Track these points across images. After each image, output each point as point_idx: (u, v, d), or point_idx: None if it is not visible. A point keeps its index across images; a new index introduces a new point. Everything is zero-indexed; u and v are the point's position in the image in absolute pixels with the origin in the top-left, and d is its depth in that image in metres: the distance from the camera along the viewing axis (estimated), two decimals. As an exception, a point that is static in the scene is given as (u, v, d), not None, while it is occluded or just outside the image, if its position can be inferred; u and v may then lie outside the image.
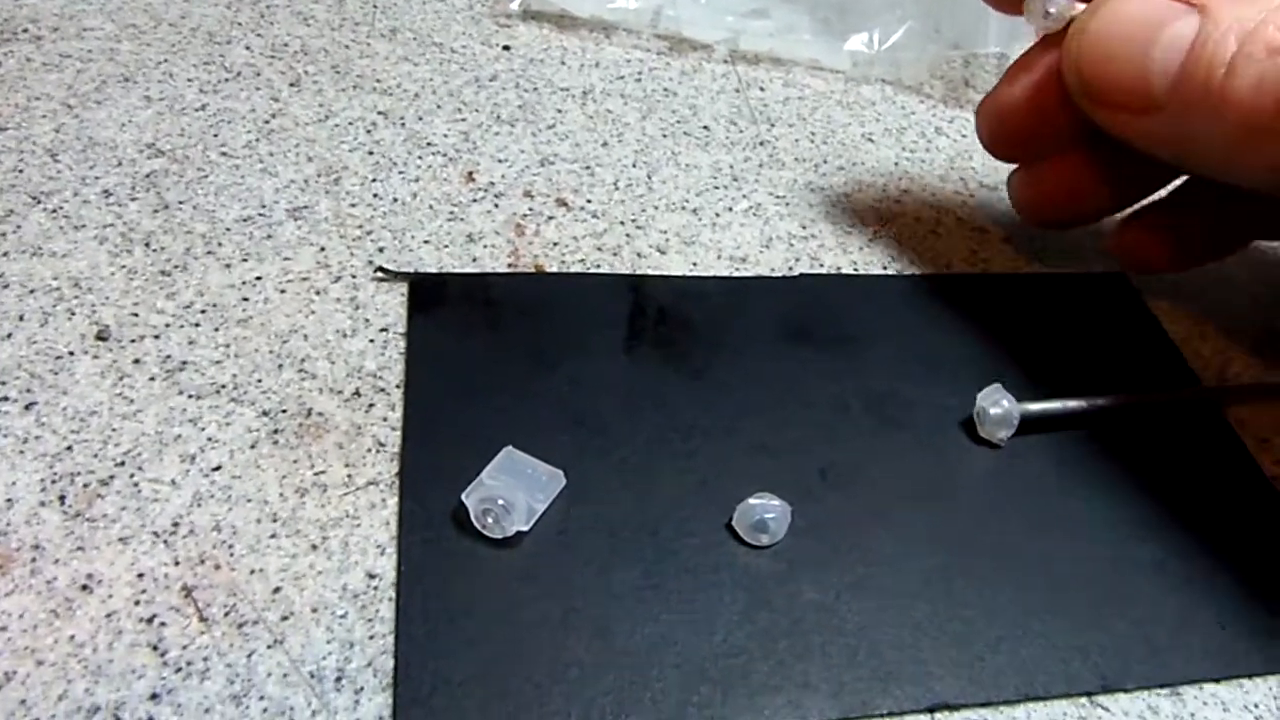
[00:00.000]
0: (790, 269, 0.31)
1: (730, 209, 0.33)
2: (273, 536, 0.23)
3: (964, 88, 0.40)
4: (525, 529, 0.23)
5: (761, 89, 0.38)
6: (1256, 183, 0.22)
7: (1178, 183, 0.29)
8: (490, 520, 0.23)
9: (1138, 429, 0.27)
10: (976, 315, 0.30)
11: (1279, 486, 0.27)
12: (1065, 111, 0.26)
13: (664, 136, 0.35)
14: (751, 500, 0.24)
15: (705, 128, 0.36)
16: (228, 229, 0.29)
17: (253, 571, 0.22)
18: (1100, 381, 0.28)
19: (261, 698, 0.20)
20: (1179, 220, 0.29)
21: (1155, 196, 0.30)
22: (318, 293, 0.28)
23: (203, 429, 0.24)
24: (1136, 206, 0.30)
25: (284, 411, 0.25)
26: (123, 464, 0.24)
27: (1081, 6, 0.24)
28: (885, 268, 0.32)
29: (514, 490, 0.23)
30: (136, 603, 0.21)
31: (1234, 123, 0.21)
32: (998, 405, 0.26)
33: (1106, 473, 0.26)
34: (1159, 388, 0.29)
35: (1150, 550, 0.25)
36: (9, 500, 0.23)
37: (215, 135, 0.32)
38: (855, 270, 0.31)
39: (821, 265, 0.31)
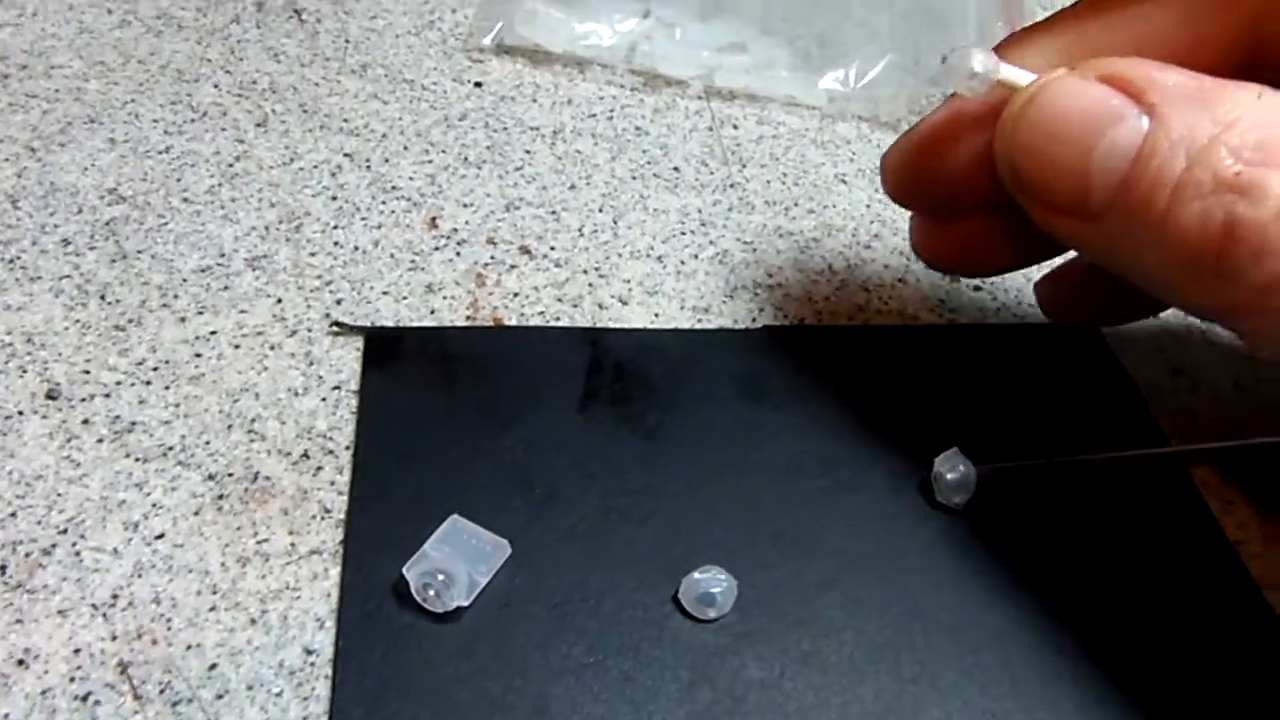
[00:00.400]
0: (753, 320, 0.31)
1: (696, 256, 0.32)
2: (211, 609, 0.22)
3: (942, 124, 0.39)
4: (465, 604, 0.23)
5: (735, 126, 0.38)
6: (1195, 312, 0.21)
7: None
8: (431, 594, 0.22)
9: (1099, 490, 0.27)
10: (940, 370, 0.30)
11: (1241, 551, 0.26)
12: (977, 178, 0.24)
13: (633, 178, 0.35)
14: (697, 574, 0.23)
15: (675, 169, 0.36)
16: (185, 280, 0.29)
17: (189, 646, 0.22)
18: (1064, 439, 0.28)
19: (189, 784, 0.20)
20: (1095, 277, 0.28)
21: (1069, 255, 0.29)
22: (272, 348, 0.28)
23: (148, 494, 0.24)
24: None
25: (230, 475, 0.25)
26: (65, 531, 0.23)
27: (1009, 72, 0.21)
28: (850, 318, 0.31)
29: (456, 562, 0.23)
30: (72, 679, 0.21)
31: (1173, 256, 0.19)
32: (954, 470, 0.26)
33: (1065, 539, 0.26)
34: (1124, 446, 0.28)
35: (1107, 622, 0.24)
36: (-52, 570, 0.22)
37: (178, 180, 0.32)
38: (819, 321, 0.31)
39: (786, 316, 0.31)
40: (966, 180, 0.23)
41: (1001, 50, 0.23)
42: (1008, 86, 0.21)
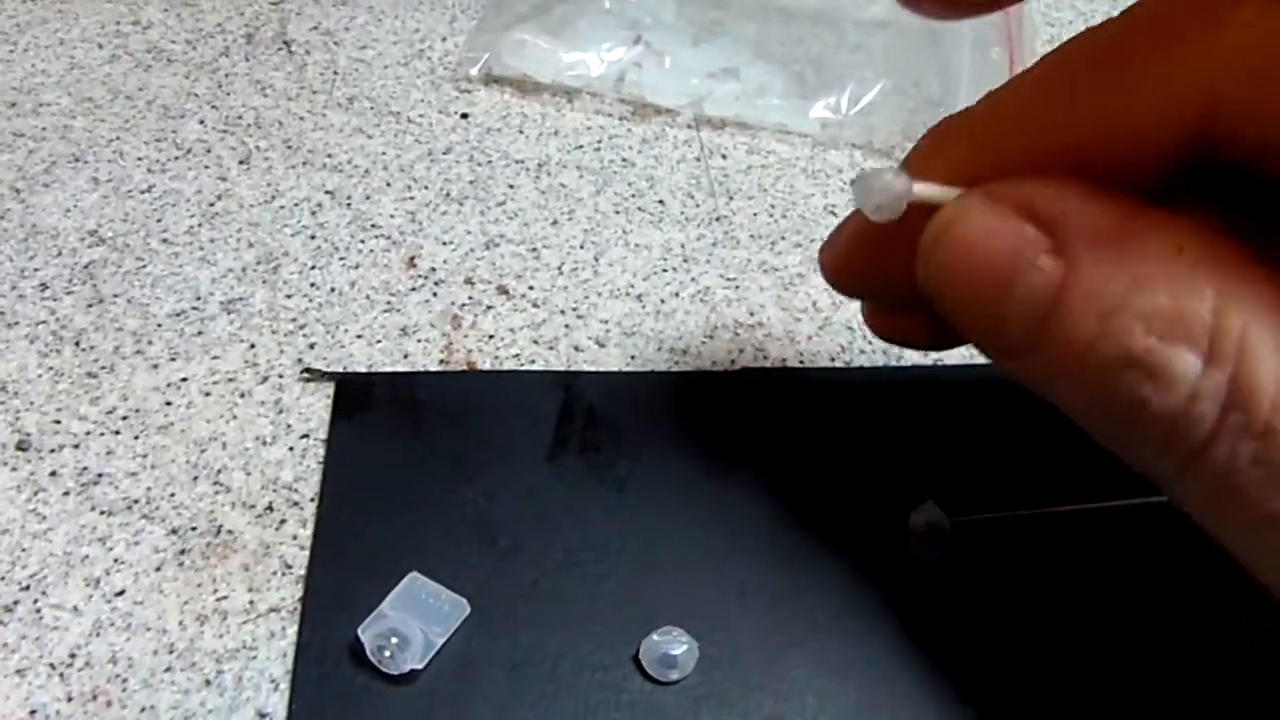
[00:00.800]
0: (732, 361, 0.30)
1: (677, 294, 0.32)
2: (167, 670, 0.22)
3: (937, 151, 0.39)
4: (420, 666, 0.22)
5: (724, 156, 0.37)
6: (1124, 461, 0.19)
7: None
8: (386, 655, 0.22)
9: (1078, 538, 0.26)
10: (920, 414, 0.29)
11: (1234, 607, 0.25)
12: (907, 283, 0.21)
13: (617, 212, 0.34)
14: (656, 636, 0.23)
15: (661, 201, 0.35)
16: (159, 325, 0.29)
17: (143, 709, 0.22)
18: (1045, 485, 0.27)
19: None
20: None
21: None
22: (242, 395, 0.28)
23: (110, 549, 0.24)
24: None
25: (193, 529, 0.25)
26: (28, 588, 0.23)
27: (923, 189, 0.19)
28: (833, 359, 0.31)
29: (411, 624, 0.23)
30: (25, 743, 0.21)
31: (1087, 419, 0.18)
32: (928, 524, 0.26)
33: (1041, 591, 0.25)
34: (1106, 493, 0.28)
35: (1085, 677, 0.24)
36: (-90, 629, 0.23)
37: (158, 220, 0.32)
38: (801, 362, 0.30)
39: (766, 357, 0.30)
40: (902, 282, 0.21)
41: (922, 144, 0.21)
42: (924, 203, 0.19)
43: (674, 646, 0.23)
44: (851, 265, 0.23)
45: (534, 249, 0.33)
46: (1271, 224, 0.17)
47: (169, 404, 0.27)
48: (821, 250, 0.24)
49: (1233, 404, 0.16)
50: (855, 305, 0.32)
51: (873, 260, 0.22)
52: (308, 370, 0.28)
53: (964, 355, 0.31)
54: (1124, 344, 0.16)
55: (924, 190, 0.19)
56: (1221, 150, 0.16)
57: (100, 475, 0.26)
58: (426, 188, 0.35)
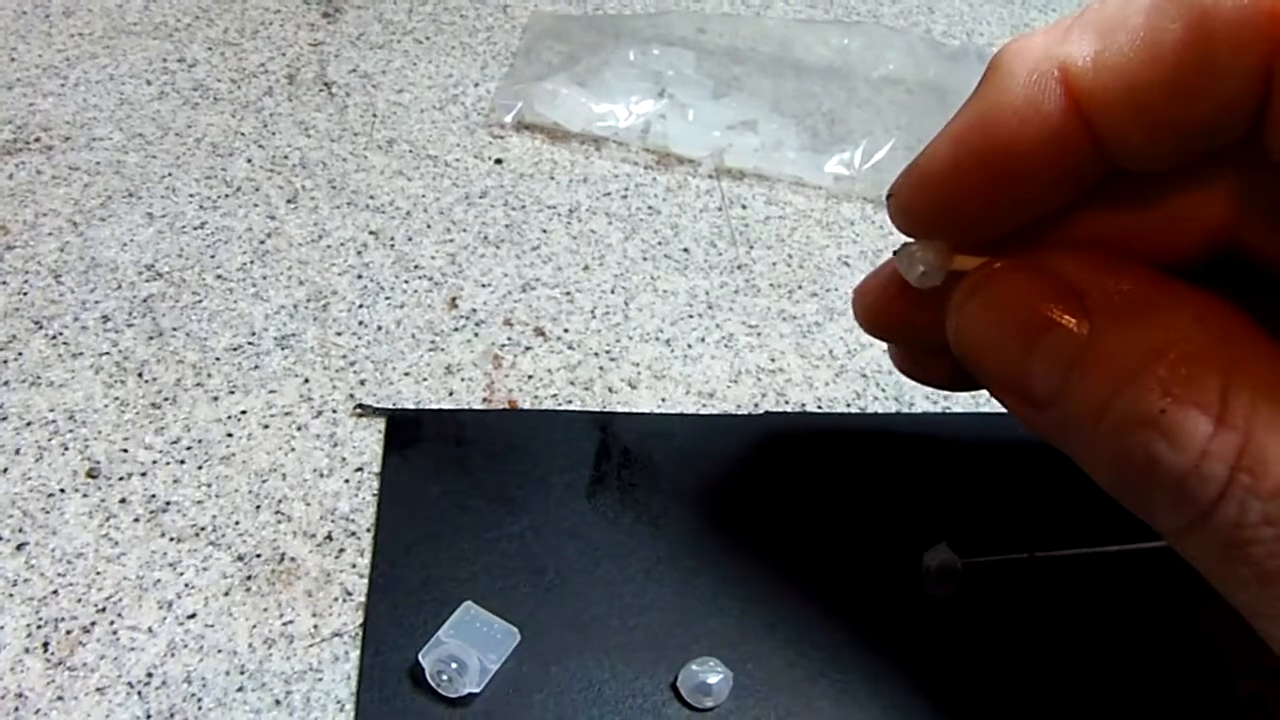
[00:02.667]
0: (756, 405, 0.32)
1: (703, 339, 0.34)
2: (239, 690, 0.24)
3: (944, 206, 0.41)
4: (477, 690, 0.24)
5: (744, 206, 0.39)
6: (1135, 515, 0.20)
7: None
8: (445, 680, 0.24)
9: (1085, 581, 0.28)
10: (934, 459, 0.31)
11: (1222, 649, 0.27)
12: (934, 330, 0.23)
13: (644, 259, 0.36)
14: (694, 665, 0.25)
15: (685, 250, 0.37)
16: (217, 358, 0.31)
17: (219, 727, 0.23)
18: (1052, 529, 0.29)
19: None
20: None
21: None
22: (299, 429, 0.29)
23: (181, 574, 0.26)
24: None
25: (258, 556, 0.26)
26: (104, 610, 0.25)
27: (963, 261, 0.21)
28: (849, 405, 0.33)
29: (468, 650, 0.24)
30: (109, 756, 0.23)
31: (1102, 475, 0.19)
32: (941, 564, 0.28)
33: (1047, 630, 0.27)
34: (1117, 537, 0.30)
35: (1090, 710, 0.26)
36: (-4, 646, 0.24)
37: (212, 257, 0.34)
38: (819, 407, 0.32)
39: (787, 401, 0.33)
40: (929, 330, 0.22)
41: None
42: (961, 270, 0.21)
43: (710, 675, 0.25)
44: (883, 313, 0.25)
45: (568, 292, 0.35)
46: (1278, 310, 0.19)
47: (230, 435, 0.29)
48: (855, 297, 0.26)
49: (1242, 466, 0.17)
50: (869, 354, 0.34)
51: (903, 310, 0.24)
52: (360, 406, 0.30)
53: (972, 403, 0.33)
54: (1138, 405, 0.18)
55: (963, 262, 0.21)
56: (1240, 254, 0.18)
57: (168, 503, 0.27)
58: (465, 230, 0.36)
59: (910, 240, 0.22)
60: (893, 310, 0.24)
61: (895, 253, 0.22)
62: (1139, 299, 0.18)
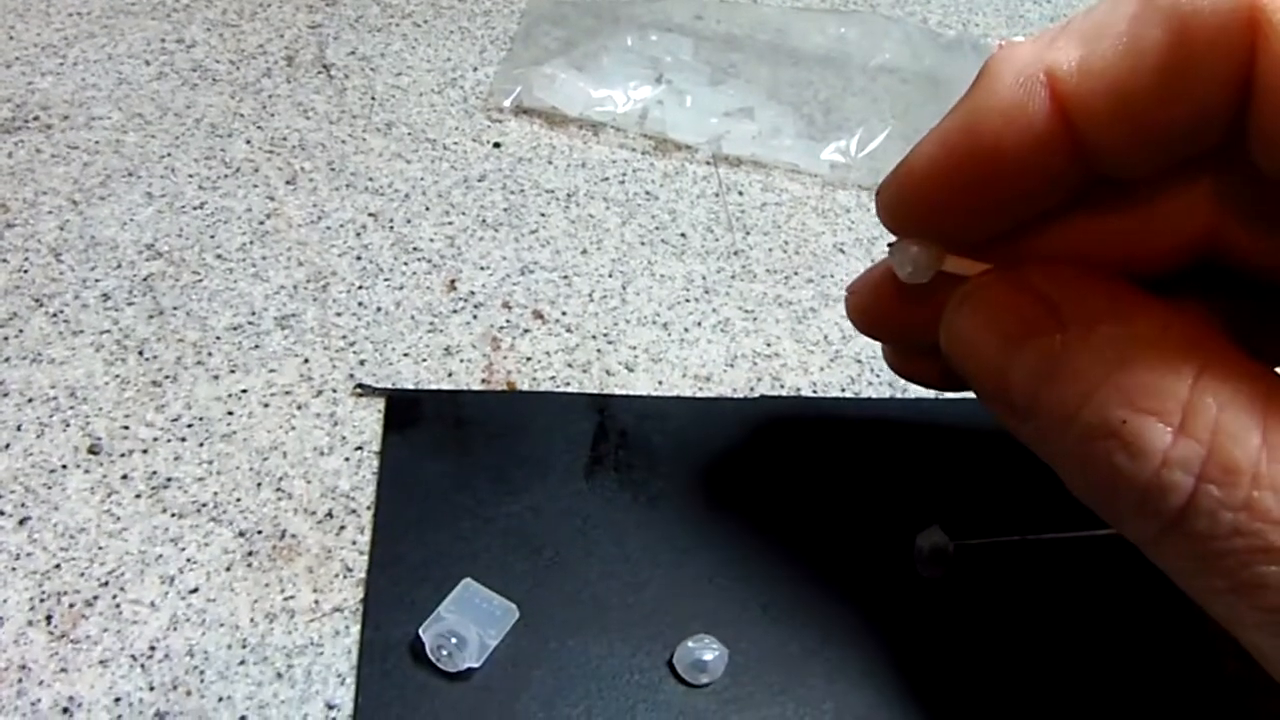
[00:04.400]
0: (751, 389, 0.33)
1: (699, 324, 0.34)
2: (241, 663, 0.24)
3: (938, 194, 0.41)
4: (476, 665, 0.24)
5: (740, 193, 0.40)
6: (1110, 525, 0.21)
7: None
8: (445, 655, 0.24)
9: (1074, 563, 0.29)
10: (926, 443, 0.31)
11: (1209, 630, 0.28)
12: (925, 332, 0.23)
13: (642, 244, 0.37)
14: (690, 643, 0.25)
15: (683, 235, 0.37)
16: (218, 337, 0.31)
17: (220, 699, 0.24)
18: (1042, 513, 0.30)
19: (221, 831, 0.22)
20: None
21: None
22: (299, 408, 0.30)
23: (183, 549, 0.26)
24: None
25: (259, 533, 0.27)
26: (106, 584, 0.25)
27: (952, 263, 0.22)
28: (843, 389, 0.33)
29: (468, 625, 0.25)
30: (112, 727, 0.23)
31: (1073, 484, 0.20)
32: (933, 545, 0.28)
33: (1035, 611, 0.28)
34: (1098, 522, 0.30)
35: (1081, 690, 0.26)
36: (0, 618, 0.24)
37: (211, 237, 0.34)
38: (814, 392, 0.33)
39: (782, 386, 0.33)
40: (920, 331, 0.23)
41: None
42: (952, 272, 0.22)
43: (705, 652, 0.25)
44: (876, 313, 0.25)
45: (565, 276, 0.35)
46: (1261, 314, 0.19)
47: (230, 414, 0.29)
48: (848, 295, 0.27)
49: (1209, 477, 0.17)
50: (864, 340, 0.35)
51: (896, 311, 0.25)
52: (360, 386, 0.30)
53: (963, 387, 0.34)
54: (1101, 414, 0.18)
55: (953, 263, 0.22)
56: (1222, 259, 0.19)
57: (169, 480, 0.27)
58: (463, 214, 0.37)
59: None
60: (884, 309, 0.25)
61: (889, 246, 0.22)
62: (1110, 311, 0.19)
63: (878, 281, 0.25)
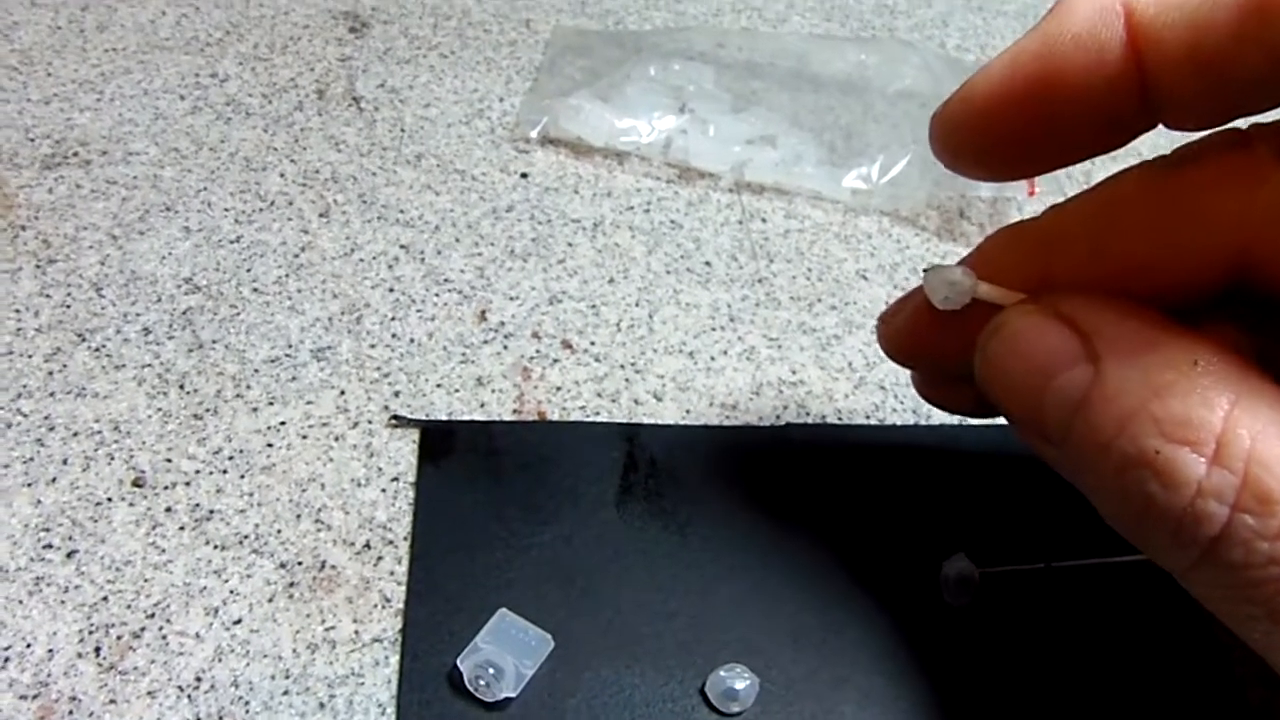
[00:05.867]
0: (778, 417, 0.33)
1: (725, 352, 0.35)
2: (285, 693, 0.25)
3: (959, 219, 0.42)
4: (513, 694, 0.25)
5: (764, 220, 0.40)
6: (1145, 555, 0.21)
7: None
8: (482, 684, 0.25)
9: (1100, 591, 0.29)
10: (952, 471, 0.32)
11: (1233, 657, 0.28)
12: (956, 360, 0.24)
13: (668, 272, 0.37)
14: (722, 671, 0.26)
15: (707, 263, 0.38)
16: (256, 370, 0.32)
17: (266, 729, 0.24)
18: (1068, 540, 0.30)
19: None
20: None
21: None
22: (336, 439, 0.30)
23: (226, 580, 0.27)
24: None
25: (300, 564, 0.27)
26: (153, 615, 0.26)
27: (985, 291, 0.22)
28: (868, 417, 0.34)
29: (505, 656, 0.25)
30: (161, 757, 0.23)
31: (1106, 510, 0.20)
32: (959, 573, 0.28)
33: (1062, 638, 0.28)
34: (1126, 548, 0.31)
35: (1099, 716, 0.26)
36: (50, 651, 0.25)
37: (248, 270, 0.35)
38: (839, 419, 0.33)
39: (808, 414, 0.33)
40: (952, 359, 0.23)
41: (988, 245, 0.24)
42: (985, 300, 0.23)
43: (737, 681, 0.26)
44: (909, 341, 0.26)
45: (593, 306, 0.36)
46: None
47: (270, 445, 0.30)
48: (879, 324, 0.27)
49: (1244, 507, 0.18)
50: (888, 366, 0.35)
51: (928, 338, 0.25)
52: (395, 417, 0.31)
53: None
54: (1136, 444, 0.18)
55: (986, 291, 0.22)
56: (1252, 284, 0.19)
57: (212, 511, 0.28)
58: (492, 244, 0.37)
59: (939, 264, 0.23)
60: (917, 337, 0.25)
61: (924, 272, 0.23)
62: (1144, 342, 0.19)
63: (910, 309, 0.26)
